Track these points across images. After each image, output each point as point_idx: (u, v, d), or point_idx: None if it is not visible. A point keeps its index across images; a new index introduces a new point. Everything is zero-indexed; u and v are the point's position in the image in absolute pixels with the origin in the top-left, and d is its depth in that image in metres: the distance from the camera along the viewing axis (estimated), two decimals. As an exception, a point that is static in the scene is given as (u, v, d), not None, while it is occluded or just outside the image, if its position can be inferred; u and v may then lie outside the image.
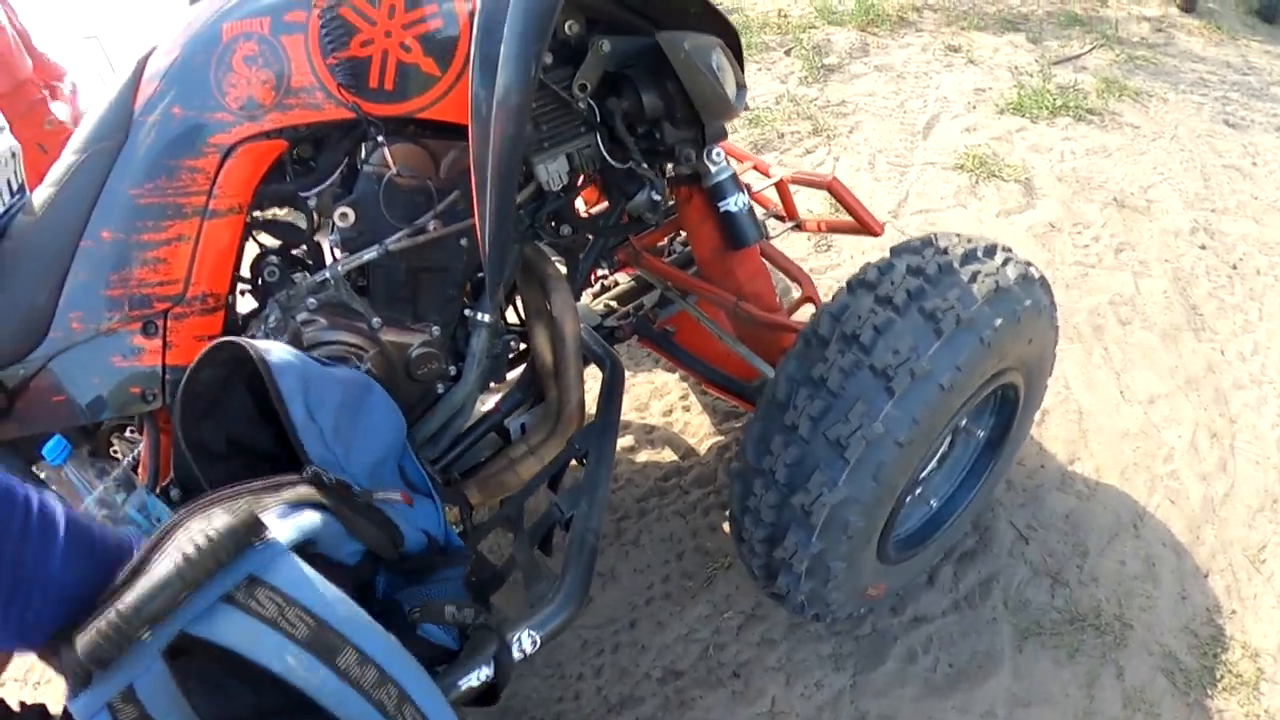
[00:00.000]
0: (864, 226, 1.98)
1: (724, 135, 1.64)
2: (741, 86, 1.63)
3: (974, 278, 1.45)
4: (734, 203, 1.70)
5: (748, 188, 1.87)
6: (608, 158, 1.52)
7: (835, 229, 2.05)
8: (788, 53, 5.40)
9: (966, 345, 1.37)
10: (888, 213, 3.33)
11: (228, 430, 1.11)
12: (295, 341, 1.26)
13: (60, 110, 3.34)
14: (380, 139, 1.26)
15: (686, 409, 2.55)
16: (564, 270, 1.70)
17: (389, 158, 1.28)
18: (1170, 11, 6.25)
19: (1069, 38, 5.40)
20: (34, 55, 3.74)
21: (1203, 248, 3.11)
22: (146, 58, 1.20)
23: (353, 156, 1.33)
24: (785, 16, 6.10)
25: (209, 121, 1.18)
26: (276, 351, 1.04)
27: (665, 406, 2.57)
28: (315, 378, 1.04)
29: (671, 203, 1.89)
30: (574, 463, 1.57)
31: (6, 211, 1.24)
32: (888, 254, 1.54)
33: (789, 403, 1.45)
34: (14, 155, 1.45)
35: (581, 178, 1.57)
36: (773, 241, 1.97)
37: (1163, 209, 3.32)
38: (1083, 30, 5.54)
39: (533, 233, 1.57)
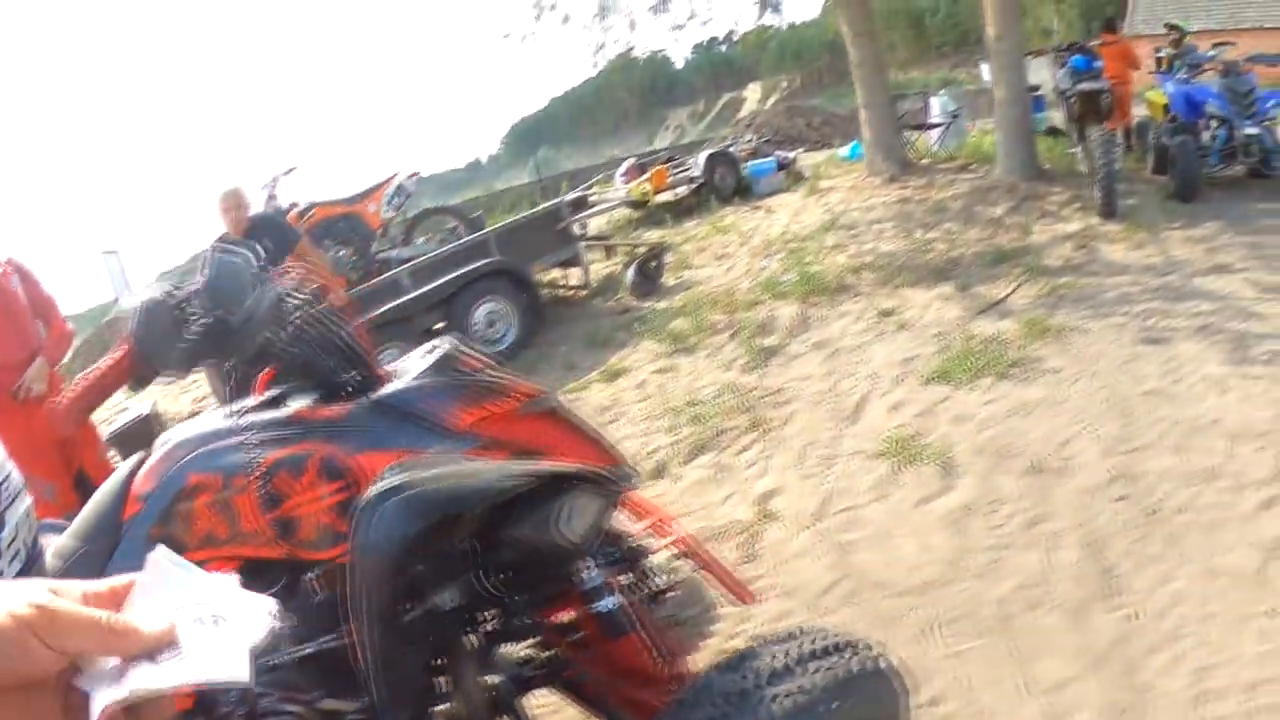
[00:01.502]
0: (736, 596, 2.17)
1: (583, 556, 1.85)
2: (598, 526, 1.87)
3: (819, 671, 1.57)
4: (604, 605, 1.87)
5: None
6: (485, 585, 1.75)
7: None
8: (732, 336, 5.83)
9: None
10: (811, 515, 3.50)
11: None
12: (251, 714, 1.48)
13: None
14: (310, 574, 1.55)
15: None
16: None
17: (315, 585, 1.56)
18: (1091, 222, 6.67)
19: (996, 277, 5.77)
20: (54, 322, 4.13)
21: (1120, 499, 3.16)
22: (134, 472, 1.48)
23: (290, 577, 1.61)
24: (733, 295, 6.66)
25: (175, 545, 1.51)
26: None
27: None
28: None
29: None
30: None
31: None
32: (751, 642, 1.70)
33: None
34: (28, 514, 1.65)
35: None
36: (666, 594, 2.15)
37: (1080, 464, 3.42)
38: (1009, 265, 5.93)
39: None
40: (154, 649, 0.49)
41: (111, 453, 4.69)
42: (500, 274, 6.58)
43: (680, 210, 10.62)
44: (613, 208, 11.05)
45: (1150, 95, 8.70)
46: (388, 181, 8.48)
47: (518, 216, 7.80)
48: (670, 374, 5.62)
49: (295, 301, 1.85)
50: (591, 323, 7.16)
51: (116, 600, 0.52)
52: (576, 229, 8.23)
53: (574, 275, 8.40)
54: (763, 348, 5.50)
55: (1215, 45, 8.83)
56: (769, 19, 11.12)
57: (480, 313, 6.42)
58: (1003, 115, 7.93)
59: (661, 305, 7.04)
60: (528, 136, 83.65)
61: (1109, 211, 6.67)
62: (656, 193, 10.84)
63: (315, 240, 7.49)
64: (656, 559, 2.35)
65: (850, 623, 2.76)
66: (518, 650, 2.23)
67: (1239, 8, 25.06)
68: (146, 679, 0.47)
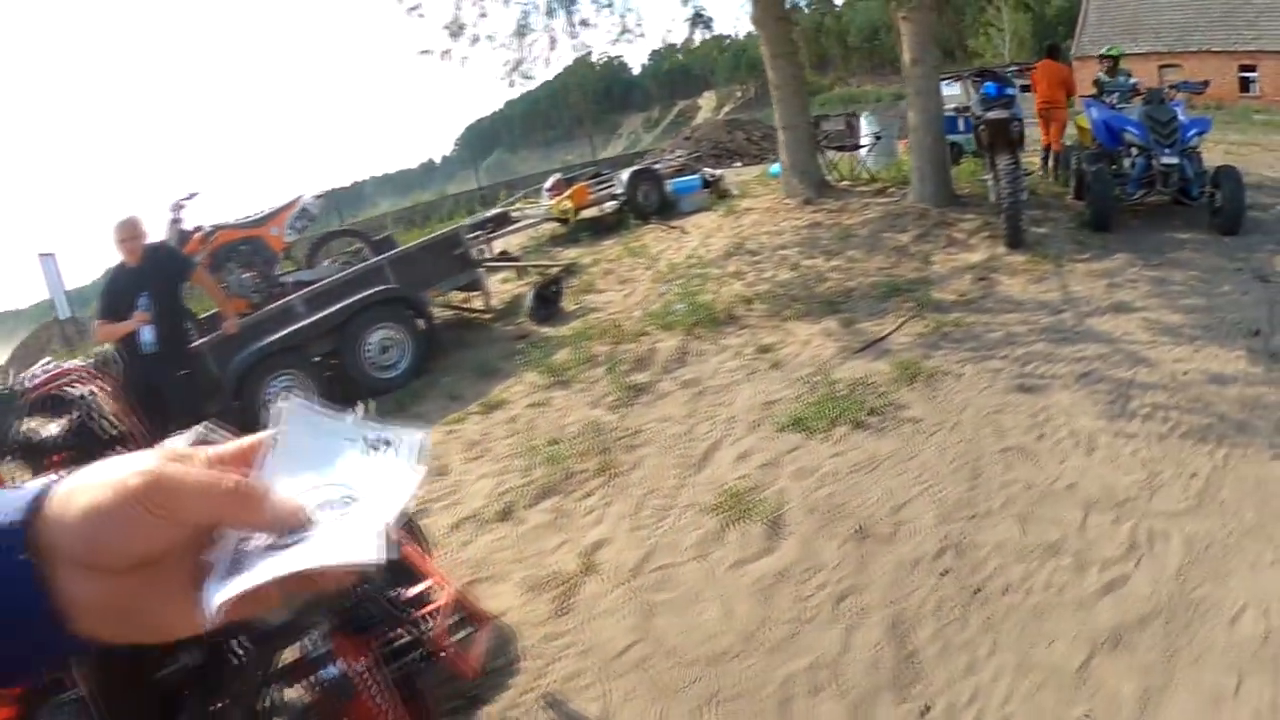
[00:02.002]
0: (457, 669, 2.26)
1: (304, 630, 2.02)
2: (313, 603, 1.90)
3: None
4: (328, 673, 1.98)
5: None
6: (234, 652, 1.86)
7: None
8: (609, 369, 5.44)
9: None
10: (630, 570, 3.20)
11: None
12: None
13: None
14: None
15: None
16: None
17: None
18: (997, 251, 6.38)
19: (885, 312, 5.44)
20: None
21: (945, 573, 2.84)
22: None
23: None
24: (620, 325, 6.27)
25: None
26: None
27: None
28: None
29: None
30: None
31: None
32: None
33: None
34: None
35: None
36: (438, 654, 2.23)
37: (912, 530, 3.10)
38: (901, 299, 5.61)
39: None
40: (278, 524, 0.44)
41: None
42: (393, 301, 6.35)
43: (602, 228, 10.25)
44: (535, 224, 10.68)
45: (1079, 119, 8.50)
46: (292, 204, 8.20)
47: (413, 242, 7.44)
48: (543, 409, 5.24)
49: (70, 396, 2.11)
50: (489, 348, 6.81)
51: (244, 461, 0.46)
52: (477, 252, 7.87)
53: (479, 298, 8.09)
54: (633, 385, 5.14)
55: (1162, 67, 8.71)
56: (698, 33, 10.49)
57: (373, 340, 6.18)
58: (917, 140, 7.66)
59: (556, 332, 6.72)
60: (483, 138, 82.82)
61: (1014, 242, 6.39)
62: (578, 210, 10.49)
63: (218, 263, 7.38)
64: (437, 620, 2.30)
65: (634, 690, 2.58)
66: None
67: (1186, 31, 25.36)
68: (267, 565, 0.42)
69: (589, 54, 11.59)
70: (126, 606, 0.42)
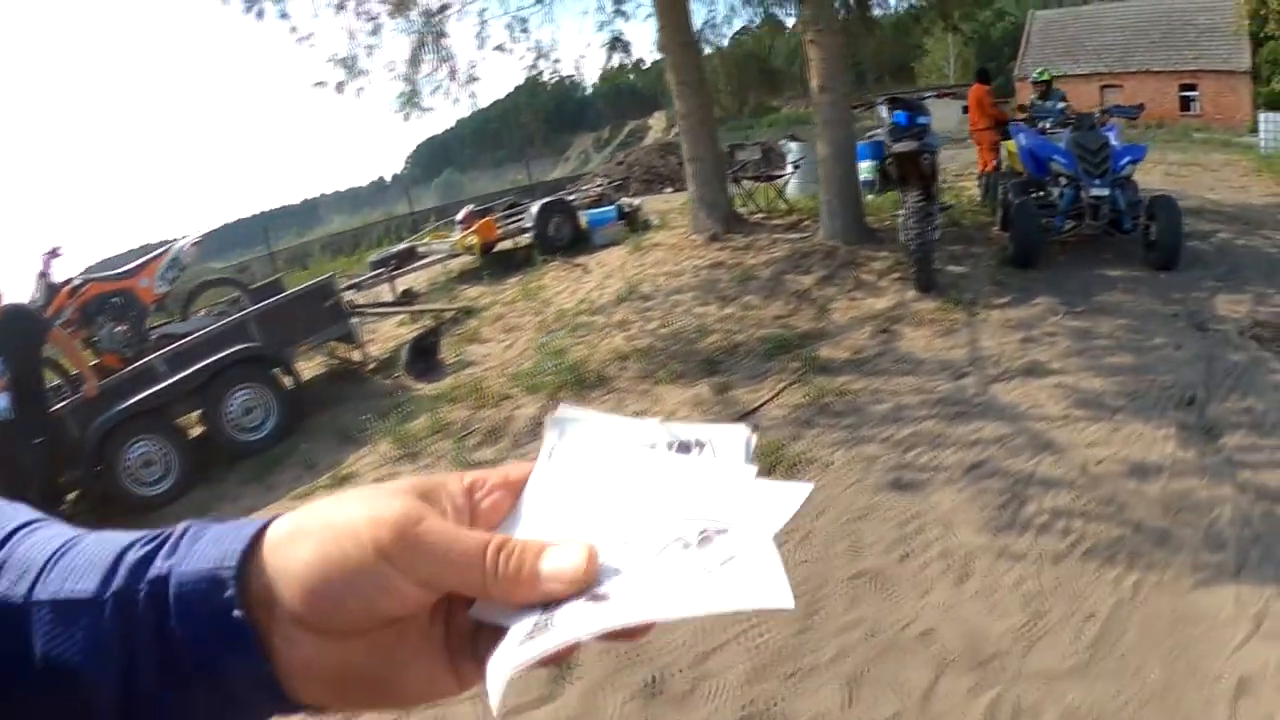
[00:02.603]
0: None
1: None
2: None
3: None
4: None
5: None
6: None
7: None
8: (458, 442, 4.71)
9: None
10: None
11: None
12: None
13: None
14: None
15: None
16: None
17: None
18: (907, 296, 5.69)
19: (766, 374, 4.72)
20: None
21: None
22: None
23: None
24: (482, 389, 5.53)
25: None
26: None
27: None
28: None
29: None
30: None
31: None
32: None
33: None
34: None
35: None
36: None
37: (712, 689, 2.37)
38: (788, 358, 4.88)
39: None
40: (569, 590, 0.34)
41: None
42: (254, 360, 5.98)
43: (511, 264, 9.49)
44: (441, 260, 9.91)
45: (1009, 144, 7.94)
46: (163, 254, 7.82)
47: (280, 295, 6.92)
48: (376, 491, 4.42)
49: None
50: (360, 405, 6.14)
51: (512, 491, 0.39)
52: (387, 290, 7.74)
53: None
54: (476, 462, 4.35)
55: (1104, 88, 8.20)
56: (617, 57, 9.83)
57: (236, 402, 5.77)
58: (826, 173, 6.98)
59: (429, 389, 6.07)
60: (435, 155, 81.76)
61: (924, 286, 5.71)
62: (488, 245, 9.74)
63: (89, 317, 7.03)
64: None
65: None
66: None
67: (1127, 52, 25.43)
68: (592, 617, 0.32)
69: (540, 74, 11.13)
70: (364, 675, 0.35)
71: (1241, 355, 4.41)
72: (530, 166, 24.36)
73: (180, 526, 0.37)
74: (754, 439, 0.40)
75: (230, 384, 5.73)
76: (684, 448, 0.39)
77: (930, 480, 3.34)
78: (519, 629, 0.33)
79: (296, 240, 22.21)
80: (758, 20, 12.11)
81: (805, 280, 6.20)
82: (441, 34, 8.71)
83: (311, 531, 0.35)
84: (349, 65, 8.83)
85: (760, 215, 8.49)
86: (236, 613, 0.33)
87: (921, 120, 6.36)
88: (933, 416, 3.88)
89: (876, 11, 10.28)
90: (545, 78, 10.17)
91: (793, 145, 9.87)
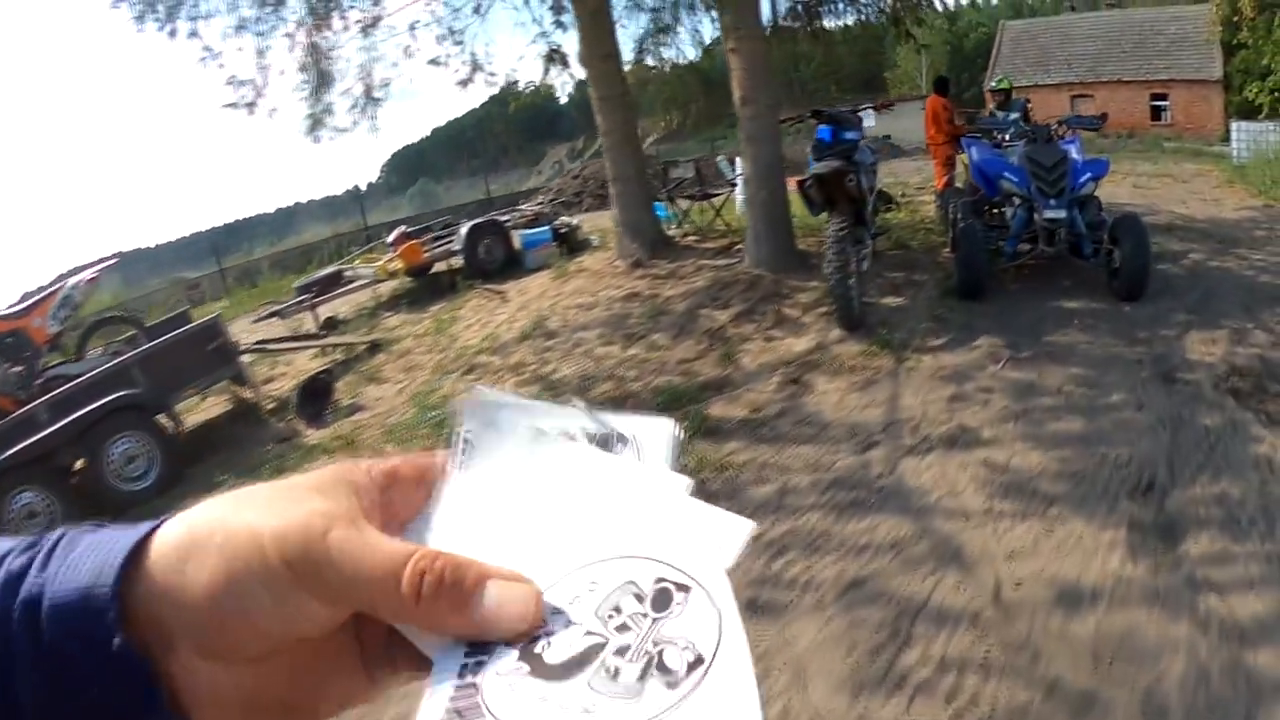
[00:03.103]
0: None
1: None
2: None
3: None
4: None
5: None
6: None
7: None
8: None
9: None
10: None
11: None
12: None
13: None
14: None
15: None
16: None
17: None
18: (829, 337, 4.99)
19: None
20: None
21: None
22: None
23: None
24: (354, 443, 4.87)
25: None
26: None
27: None
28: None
29: None
30: None
31: None
32: None
33: None
34: None
35: None
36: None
37: None
38: (677, 415, 4.10)
39: None
40: (496, 631, 0.29)
41: None
42: (134, 407, 5.77)
43: (438, 289, 8.82)
44: (367, 286, 9.22)
45: (963, 158, 7.31)
46: (54, 292, 7.53)
47: (164, 338, 6.57)
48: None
49: None
50: (249, 453, 5.79)
51: (425, 485, 0.35)
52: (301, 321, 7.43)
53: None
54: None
55: (1074, 97, 7.58)
56: (554, 71, 9.15)
57: (117, 450, 5.55)
58: (751, 196, 6.29)
59: (313, 437, 5.66)
60: (409, 164, 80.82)
61: (848, 325, 5.00)
62: (415, 270, 9.05)
63: None
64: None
65: None
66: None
67: (1098, 61, 25.13)
68: (505, 699, 0.27)
69: (515, 83, 10.56)
70: (278, 700, 0.31)
71: (1215, 417, 3.65)
72: (490, 179, 23.74)
73: (55, 534, 0.31)
74: (680, 434, 0.36)
75: (110, 432, 5.53)
76: (605, 442, 0.35)
77: (794, 604, 2.61)
78: (446, 663, 0.28)
79: (246, 258, 21.37)
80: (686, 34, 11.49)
81: (721, 316, 5.49)
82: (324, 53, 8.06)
83: (208, 544, 0.29)
84: (255, 87, 8.16)
85: (693, 237, 7.81)
86: (117, 640, 0.28)
87: (849, 136, 5.66)
88: (821, 506, 3.16)
89: (828, 21, 9.69)
90: (483, 90, 9.63)
91: (723, 162, 9.22)
